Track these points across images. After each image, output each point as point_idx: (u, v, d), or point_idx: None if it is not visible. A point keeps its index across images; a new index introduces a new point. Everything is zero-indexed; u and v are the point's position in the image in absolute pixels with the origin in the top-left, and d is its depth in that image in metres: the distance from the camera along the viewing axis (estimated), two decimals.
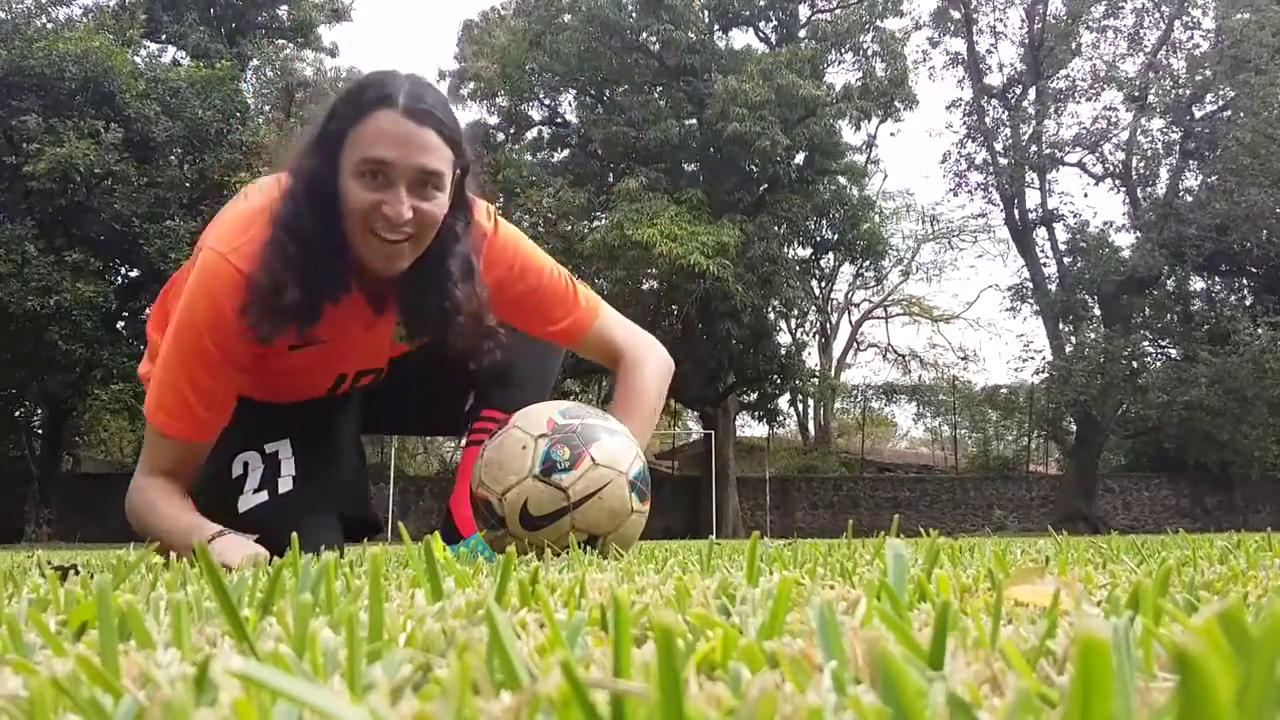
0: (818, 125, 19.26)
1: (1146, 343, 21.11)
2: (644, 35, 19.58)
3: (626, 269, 17.85)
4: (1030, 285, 22.66)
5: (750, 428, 24.57)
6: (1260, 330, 18.42)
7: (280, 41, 22.28)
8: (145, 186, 16.62)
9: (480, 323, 1.78)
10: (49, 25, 18.51)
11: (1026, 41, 22.76)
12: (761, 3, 20.99)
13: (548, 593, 0.76)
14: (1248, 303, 21.21)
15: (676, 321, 19.32)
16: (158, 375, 1.75)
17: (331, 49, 23.38)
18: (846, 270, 27.32)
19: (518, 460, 1.65)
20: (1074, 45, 22.60)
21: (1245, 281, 21.76)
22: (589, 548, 1.57)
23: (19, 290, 15.56)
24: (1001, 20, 23.25)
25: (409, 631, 0.54)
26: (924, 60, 23.89)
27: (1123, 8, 22.53)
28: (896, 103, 20.41)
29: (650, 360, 2.03)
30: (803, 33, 21.42)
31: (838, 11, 21.37)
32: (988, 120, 23.18)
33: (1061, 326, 21.94)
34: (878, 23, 20.73)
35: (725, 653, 0.46)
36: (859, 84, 20.08)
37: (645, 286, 19.49)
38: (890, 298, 31.94)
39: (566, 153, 22.38)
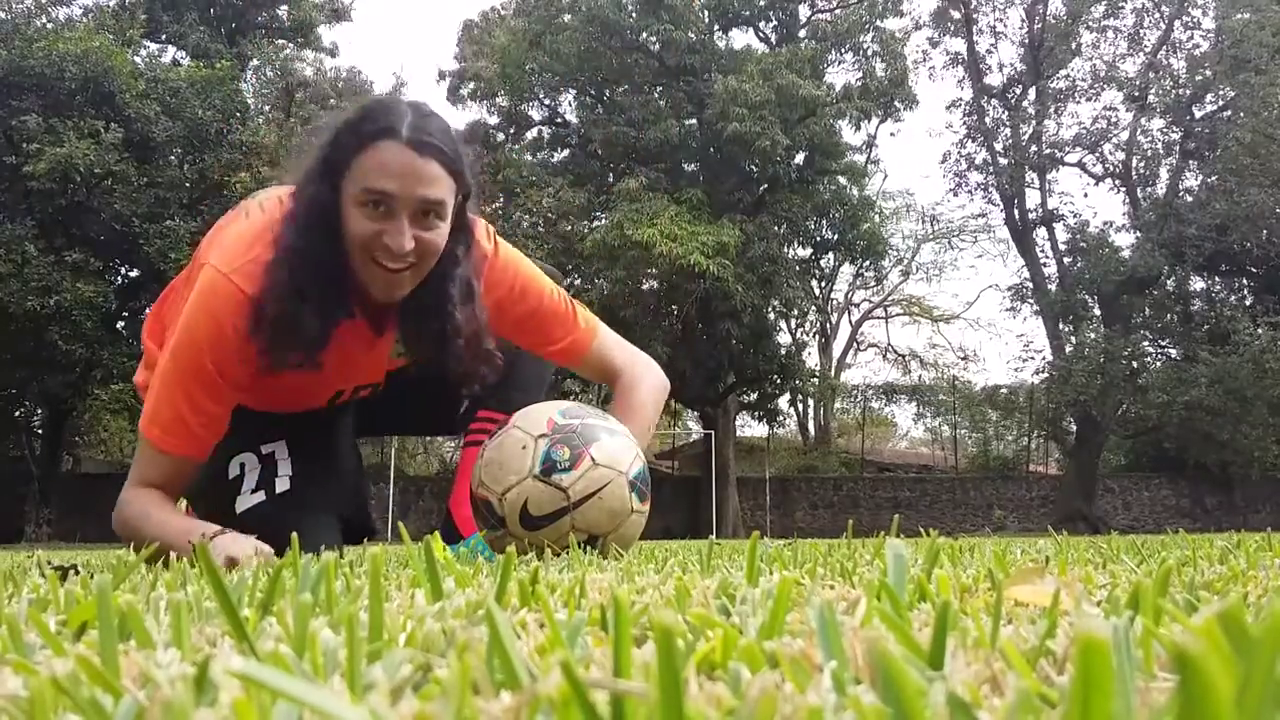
0: (818, 125, 19.26)
1: (1146, 343, 21.10)
2: (644, 35, 19.58)
3: (626, 269, 17.85)
4: (1030, 285, 22.66)
5: (750, 428, 24.60)
6: (1260, 330, 18.42)
7: (280, 41, 22.26)
8: (145, 186, 16.60)
9: (479, 345, 1.79)
10: (49, 25, 18.49)
11: (1026, 41, 22.76)
12: (761, 3, 20.98)
13: (548, 593, 0.76)
14: (1248, 303, 21.21)
15: (676, 321, 19.32)
16: (155, 390, 1.75)
17: (331, 49, 23.39)
18: (846, 270, 27.38)
19: (518, 460, 1.65)
20: (1074, 45, 22.60)
21: (1245, 281, 21.76)
22: (589, 548, 1.57)
23: (19, 290, 15.55)
24: (1001, 20, 23.28)
25: (409, 631, 0.54)
26: (924, 60, 23.94)
27: (1123, 8, 22.53)
28: (896, 103, 20.42)
29: (647, 379, 2.06)
30: (803, 33, 21.42)
31: (838, 11, 21.37)
32: (988, 120, 23.18)
33: (1061, 326, 21.94)
34: (878, 23, 20.74)
35: (725, 653, 0.46)
36: (859, 84, 20.09)
37: (645, 286, 19.47)
38: (890, 298, 31.98)
39: (566, 153, 22.39)
